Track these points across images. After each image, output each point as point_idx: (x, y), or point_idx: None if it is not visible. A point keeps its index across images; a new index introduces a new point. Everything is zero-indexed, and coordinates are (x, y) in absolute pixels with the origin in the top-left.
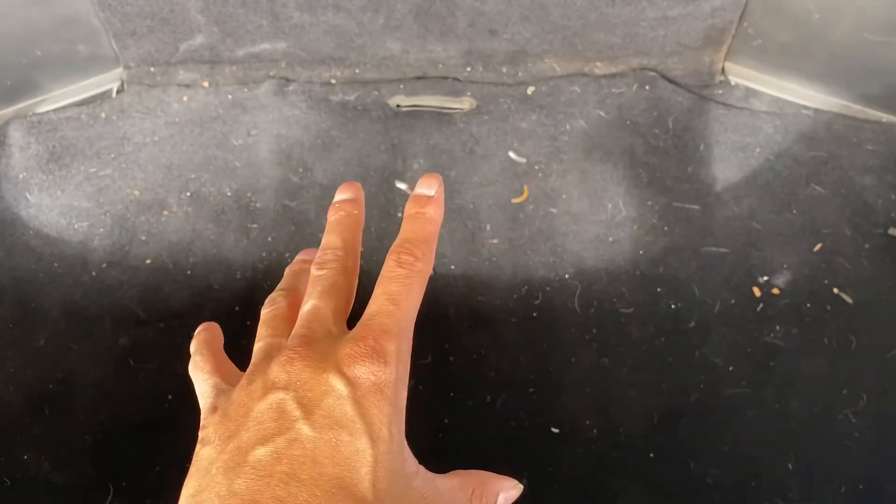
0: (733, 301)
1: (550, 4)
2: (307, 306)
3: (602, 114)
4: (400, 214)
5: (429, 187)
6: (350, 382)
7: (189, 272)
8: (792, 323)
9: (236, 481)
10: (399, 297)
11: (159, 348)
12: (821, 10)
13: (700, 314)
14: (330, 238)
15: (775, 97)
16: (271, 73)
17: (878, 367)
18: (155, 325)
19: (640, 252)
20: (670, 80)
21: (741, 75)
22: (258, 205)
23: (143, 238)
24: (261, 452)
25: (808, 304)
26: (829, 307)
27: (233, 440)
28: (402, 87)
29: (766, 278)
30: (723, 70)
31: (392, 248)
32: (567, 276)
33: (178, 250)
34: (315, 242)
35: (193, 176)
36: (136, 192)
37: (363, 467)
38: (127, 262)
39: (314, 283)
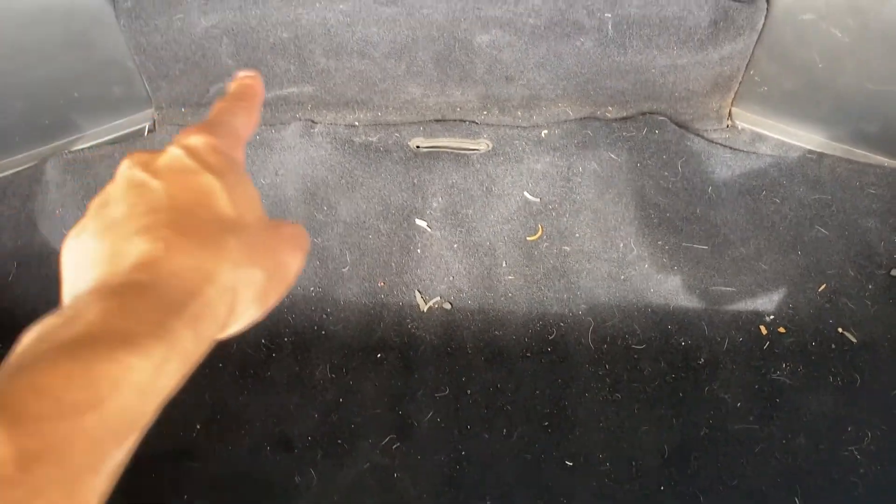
0: (741, 339)
1: (565, 53)
2: None
3: (613, 156)
4: (419, 251)
5: (248, 73)
6: (185, 146)
7: None
8: (798, 361)
9: (104, 236)
10: (228, 111)
11: (189, 379)
12: (824, 59)
13: (709, 351)
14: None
15: (781, 141)
16: (298, 115)
17: (882, 405)
18: None
19: (652, 290)
20: (679, 125)
21: (748, 120)
22: None
23: None
24: (120, 208)
25: (814, 343)
26: (833, 346)
27: (94, 218)
28: (421, 129)
29: (772, 317)
30: (730, 115)
31: (222, 100)
32: (581, 312)
33: None
34: (338, 278)
35: None
36: None
37: (214, 193)
38: None
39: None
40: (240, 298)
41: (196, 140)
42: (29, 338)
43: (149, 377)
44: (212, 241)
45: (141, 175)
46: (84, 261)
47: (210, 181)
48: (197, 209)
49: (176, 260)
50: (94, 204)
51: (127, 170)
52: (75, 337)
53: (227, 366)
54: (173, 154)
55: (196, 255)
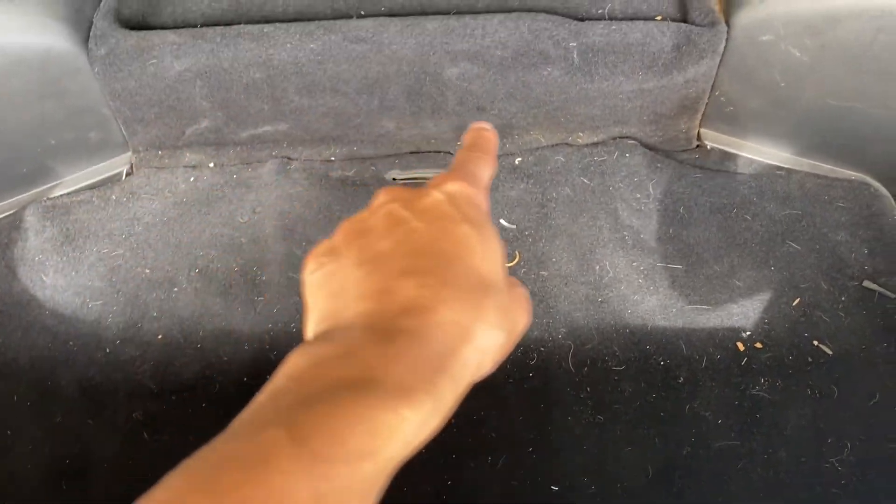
0: (719, 356)
1: (533, 82)
2: None
3: (586, 181)
4: None
5: (484, 125)
6: (445, 192)
7: (199, 346)
8: (776, 375)
9: (371, 267)
10: (474, 163)
11: (172, 420)
12: (786, 78)
13: (688, 370)
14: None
15: (749, 159)
16: (274, 153)
17: (859, 415)
18: (168, 398)
19: (629, 311)
20: (649, 147)
21: (716, 140)
22: (264, 278)
23: (155, 314)
24: (385, 244)
25: (790, 357)
26: (810, 359)
27: (353, 246)
28: (397, 161)
29: (748, 333)
30: (698, 136)
31: (463, 150)
32: (560, 336)
33: (189, 325)
34: None
35: (202, 253)
36: (147, 271)
37: (472, 247)
38: (139, 338)
39: None
40: (485, 359)
41: (456, 188)
42: (303, 360)
43: (415, 431)
44: (472, 298)
45: (403, 212)
46: (347, 288)
47: (469, 233)
48: (457, 261)
49: (441, 312)
50: (348, 230)
51: (387, 203)
52: (356, 378)
53: (210, 406)
54: (436, 198)
55: (458, 311)
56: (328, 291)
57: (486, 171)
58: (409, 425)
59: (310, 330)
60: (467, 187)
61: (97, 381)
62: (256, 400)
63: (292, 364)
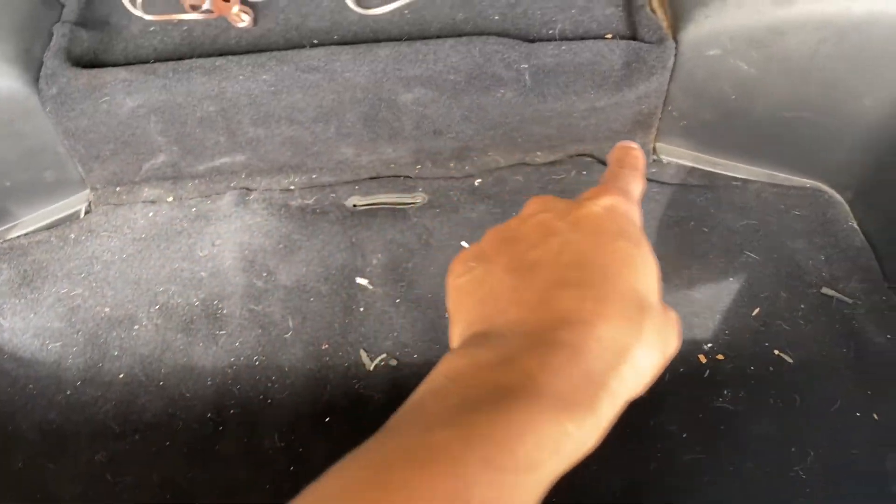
0: (682, 369)
1: (488, 105)
2: None
3: None
4: (362, 309)
5: (630, 144)
6: (601, 206)
7: (161, 383)
8: (739, 386)
9: (526, 275)
10: (624, 178)
11: (135, 461)
12: (736, 91)
13: (652, 384)
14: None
15: (706, 171)
16: (232, 185)
17: (822, 422)
18: (131, 438)
19: None
20: (606, 164)
21: (672, 154)
22: (225, 311)
23: (116, 353)
24: (538, 253)
25: (752, 368)
26: (771, 368)
27: (504, 253)
28: (357, 187)
29: (710, 345)
30: (654, 150)
31: (609, 170)
32: None
33: (150, 362)
34: (281, 344)
35: (161, 289)
36: (107, 309)
37: (629, 264)
38: (100, 379)
39: None
40: (641, 380)
41: (612, 201)
42: (462, 361)
43: (575, 447)
44: (631, 316)
45: (556, 223)
46: (498, 294)
47: (627, 249)
48: (615, 277)
49: (600, 328)
50: (498, 238)
51: (540, 213)
52: (517, 386)
53: (174, 443)
54: (592, 211)
55: (618, 328)
56: (478, 297)
57: (637, 187)
58: (571, 441)
59: (456, 335)
60: (623, 202)
61: (58, 423)
62: (416, 398)
63: (450, 364)
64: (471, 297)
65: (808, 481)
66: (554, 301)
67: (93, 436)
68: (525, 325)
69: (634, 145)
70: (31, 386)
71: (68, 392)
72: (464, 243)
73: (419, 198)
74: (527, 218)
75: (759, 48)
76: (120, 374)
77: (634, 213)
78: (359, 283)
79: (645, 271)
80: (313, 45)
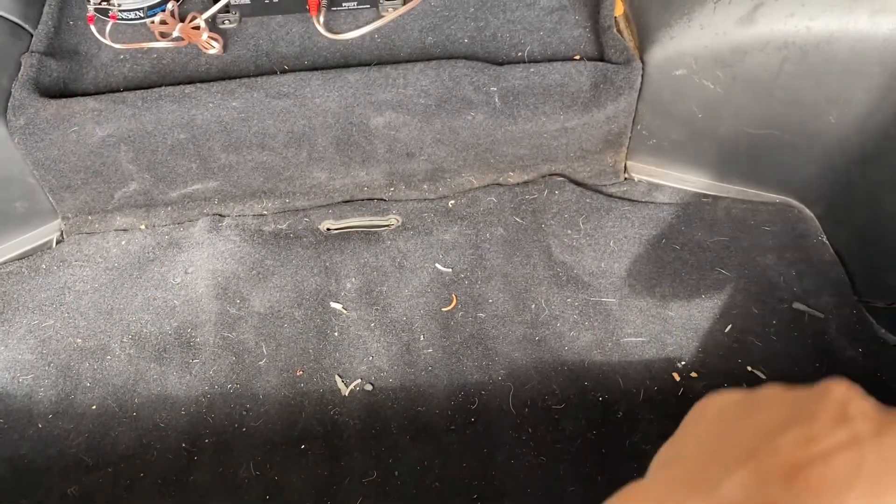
0: (656, 388)
1: (459, 127)
2: None
3: (518, 220)
4: (336, 334)
5: None
6: None
7: (135, 413)
8: None
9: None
10: None
11: (109, 494)
12: (703, 110)
13: (627, 404)
14: None
15: (676, 189)
16: (205, 211)
17: None
18: (104, 471)
19: (566, 348)
20: (578, 183)
21: (643, 172)
22: (198, 340)
23: (88, 384)
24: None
25: (726, 384)
26: (745, 384)
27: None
28: (330, 211)
29: (683, 363)
30: (626, 168)
31: None
32: (500, 378)
33: (123, 393)
34: (255, 371)
35: (134, 318)
36: (79, 340)
37: None
38: (73, 411)
39: None
40: None
41: None
42: None
43: None
44: None
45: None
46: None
47: None
48: None
49: None
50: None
51: (857, 420)
52: None
53: (147, 475)
54: None
55: None
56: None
57: None
58: None
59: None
60: None
61: (29, 458)
62: None
63: None
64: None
65: None
66: None
67: (65, 469)
68: None
69: None
70: (1, 420)
71: (40, 425)
72: (438, 265)
73: (393, 220)
74: (830, 414)
75: (724, 68)
76: (92, 406)
77: None
78: (333, 308)
79: None
80: (284, 71)
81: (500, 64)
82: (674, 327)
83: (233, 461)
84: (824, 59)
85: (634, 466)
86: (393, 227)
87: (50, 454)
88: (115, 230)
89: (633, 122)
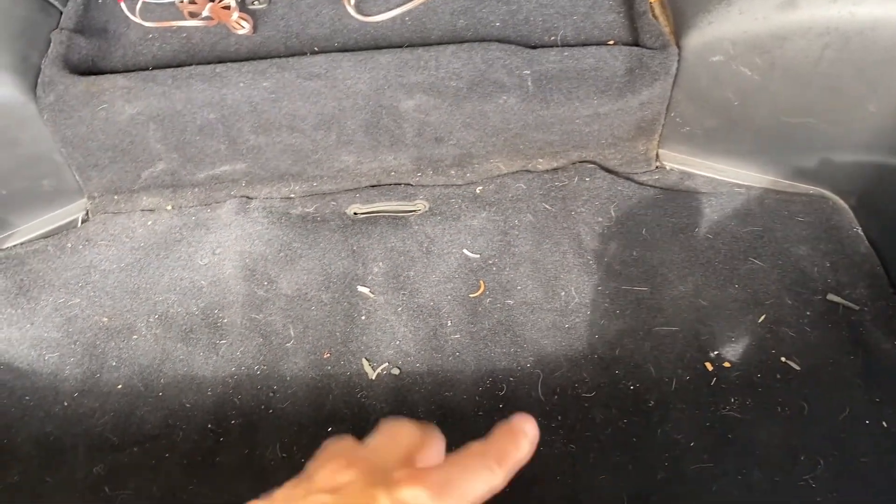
0: (688, 377)
1: (490, 111)
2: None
3: (548, 206)
4: (363, 317)
5: (532, 427)
6: (399, 499)
7: (161, 393)
8: (745, 394)
9: None
10: (471, 472)
11: (134, 473)
12: (739, 97)
13: (658, 393)
14: None
15: (709, 178)
16: (232, 193)
17: (830, 430)
18: (129, 450)
19: (596, 336)
20: (609, 171)
21: (675, 160)
22: (225, 321)
23: (114, 364)
24: None
25: (759, 375)
26: (778, 376)
27: None
28: (358, 195)
29: (716, 352)
30: (657, 157)
31: (486, 441)
32: (529, 365)
33: (149, 373)
34: (282, 353)
35: (161, 298)
36: (105, 319)
37: None
38: (98, 389)
39: None
40: None
41: (413, 497)
42: None
43: None
44: None
45: None
46: None
47: None
48: None
49: None
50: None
51: (327, 494)
52: None
53: (173, 455)
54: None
55: None
56: None
57: (475, 491)
58: None
59: None
60: (432, 500)
61: (55, 436)
62: None
63: None
64: None
65: (818, 490)
66: None
67: (91, 448)
68: None
69: (528, 429)
70: (27, 397)
71: (66, 403)
72: (466, 251)
73: (420, 205)
74: (310, 493)
75: (763, 54)
76: (118, 385)
77: None
78: (360, 292)
79: None
80: (314, 53)
81: (533, 47)
82: (706, 317)
83: (259, 443)
84: (866, 47)
85: (665, 456)
86: (420, 212)
87: (76, 433)
88: (142, 210)
89: (667, 108)
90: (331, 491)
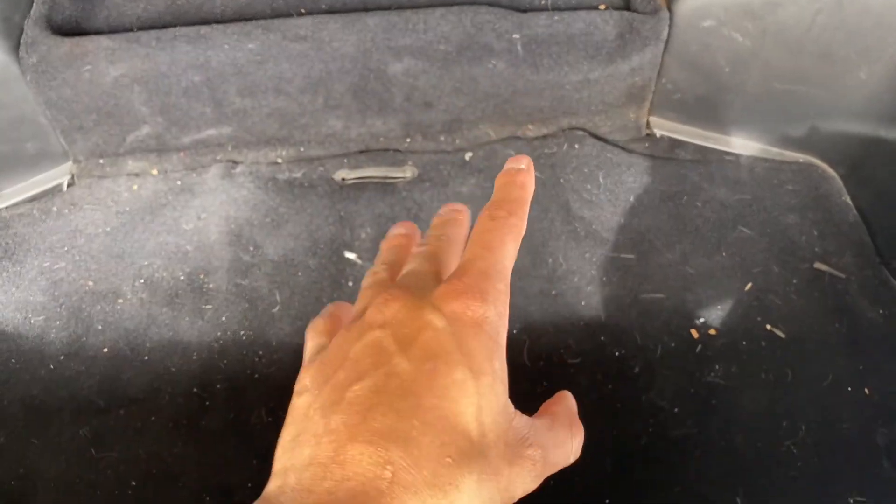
0: (673, 344)
1: (479, 76)
2: (406, 269)
3: (537, 173)
4: (350, 283)
5: (519, 163)
6: (447, 317)
7: (146, 357)
8: (730, 361)
9: (332, 419)
10: (493, 244)
11: (120, 436)
12: (730, 63)
13: (643, 359)
14: (433, 229)
15: (699, 146)
16: (218, 157)
17: (814, 397)
18: (115, 413)
19: (583, 303)
20: (598, 138)
21: (665, 128)
22: (211, 286)
23: (100, 327)
24: (357, 388)
25: (744, 342)
26: (763, 343)
27: (329, 382)
28: (345, 161)
29: (702, 320)
30: (647, 124)
31: (484, 208)
32: (515, 331)
33: (135, 337)
34: (268, 318)
35: (146, 263)
36: (91, 283)
37: (463, 398)
38: (84, 353)
39: (414, 255)
40: None
41: (461, 308)
42: None
43: None
44: (446, 477)
45: (390, 344)
46: (302, 442)
47: (465, 380)
48: (438, 422)
49: (399, 498)
50: (326, 359)
51: (376, 329)
52: None
53: (159, 418)
54: (434, 327)
55: (423, 496)
56: (285, 441)
57: (507, 259)
58: None
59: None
60: (476, 306)
61: (41, 398)
62: None
63: None
64: (282, 438)
65: (800, 455)
66: (349, 463)
67: (76, 411)
68: (311, 496)
69: (523, 164)
70: (13, 360)
71: (51, 366)
72: None
73: (409, 172)
74: (364, 332)
75: (754, 19)
76: (104, 349)
77: (489, 319)
78: (347, 258)
79: (482, 406)
80: (300, 14)
81: (523, 11)
82: (693, 284)
83: (245, 407)
84: (859, 12)
85: (650, 421)
86: (409, 178)
87: (61, 395)
88: (127, 174)
89: (658, 75)
90: (382, 326)
